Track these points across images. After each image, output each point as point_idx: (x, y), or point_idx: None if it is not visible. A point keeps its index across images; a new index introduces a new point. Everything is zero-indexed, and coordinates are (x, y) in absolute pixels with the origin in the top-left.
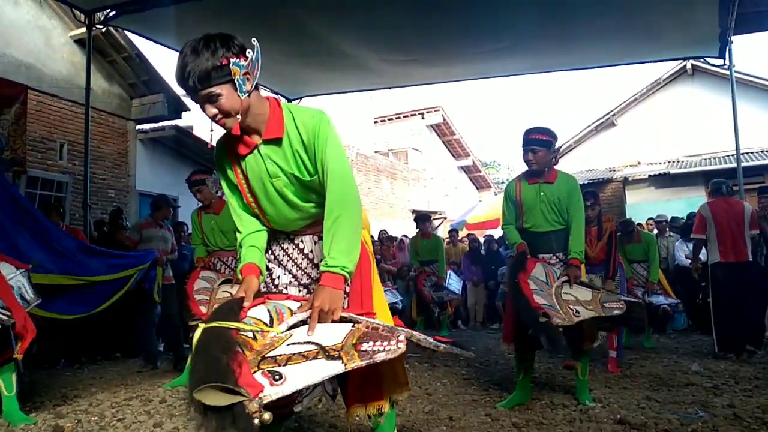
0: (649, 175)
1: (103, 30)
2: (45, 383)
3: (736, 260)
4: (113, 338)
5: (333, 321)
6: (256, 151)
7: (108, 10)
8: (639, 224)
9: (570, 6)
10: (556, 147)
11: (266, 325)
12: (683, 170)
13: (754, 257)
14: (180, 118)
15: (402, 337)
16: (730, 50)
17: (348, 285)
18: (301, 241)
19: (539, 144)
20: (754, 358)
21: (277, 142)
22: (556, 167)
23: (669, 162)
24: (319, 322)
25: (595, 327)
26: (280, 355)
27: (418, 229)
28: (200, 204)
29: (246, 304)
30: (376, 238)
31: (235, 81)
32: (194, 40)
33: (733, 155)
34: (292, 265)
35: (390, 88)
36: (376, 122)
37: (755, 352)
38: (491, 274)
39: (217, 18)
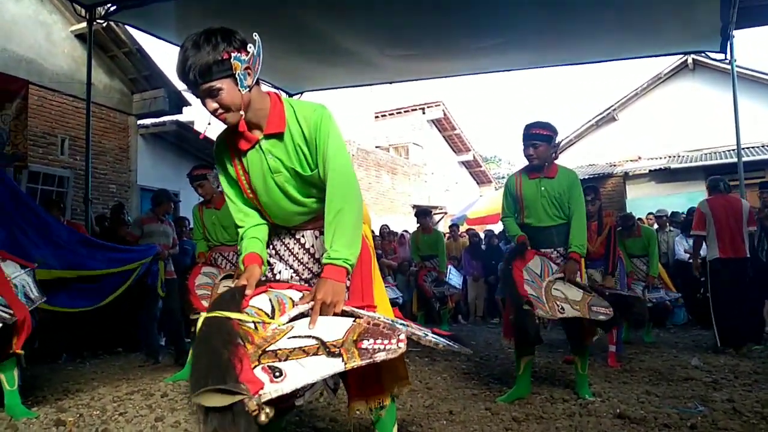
0: (650, 170)
1: (104, 25)
2: (47, 377)
3: (734, 256)
4: (115, 333)
5: (335, 314)
6: (257, 146)
7: (109, 5)
8: (639, 219)
9: (571, 1)
10: (557, 142)
11: (267, 315)
12: (684, 165)
13: (755, 253)
14: (181, 113)
15: (402, 336)
16: (731, 45)
17: (349, 278)
18: (302, 236)
19: (540, 139)
20: (753, 352)
21: (278, 136)
22: (556, 162)
23: (669, 157)
24: (320, 315)
25: (594, 322)
26: (281, 349)
27: (418, 224)
28: (201, 199)
29: (248, 292)
30: (377, 233)
31: (236, 76)
32: (195, 34)
33: (733, 150)
34: (293, 260)
35: (391, 83)
36: (376, 117)
37: (756, 347)
38: (491, 269)
39: (218, 13)
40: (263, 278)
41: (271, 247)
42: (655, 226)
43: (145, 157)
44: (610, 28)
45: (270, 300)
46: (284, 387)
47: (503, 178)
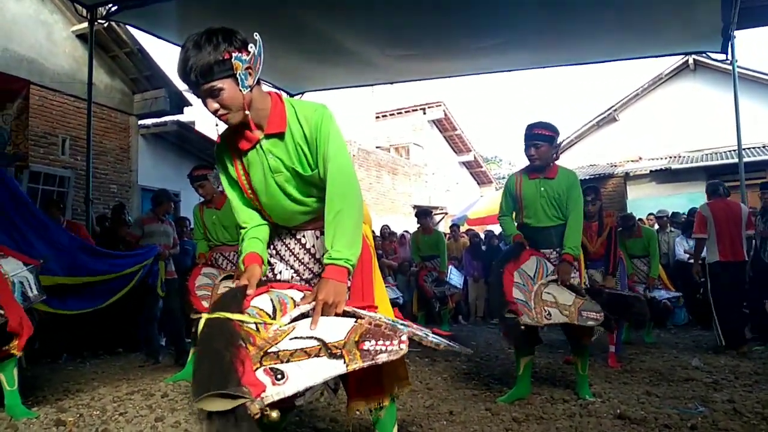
0: (651, 171)
1: (105, 25)
2: (47, 377)
3: (734, 260)
4: (115, 333)
5: (336, 314)
6: (258, 146)
7: (110, 5)
8: (640, 219)
9: (571, 1)
10: (558, 142)
11: (269, 315)
12: (685, 165)
13: (758, 254)
14: (182, 113)
15: (404, 337)
16: (732, 45)
17: (350, 278)
18: (303, 236)
19: (541, 139)
20: (754, 353)
21: (279, 136)
22: (557, 163)
23: (670, 157)
24: (322, 315)
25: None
26: (283, 351)
27: (419, 225)
28: (202, 199)
29: (249, 292)
30: (378, 234)
31: (237, 76)
32: (196, 34)
33: (734, 151)
34: (294, 260)
35: (391, 83)
36: (377, 117)
37: (758, 347)
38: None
39: (219, 12)
40: (264, 278)
41: (271, 247)
42: (656, 226)
43: (146, 157)
44: (611, 28)
45: (271, 300)
46: (286, 390)
47: (504, 178)
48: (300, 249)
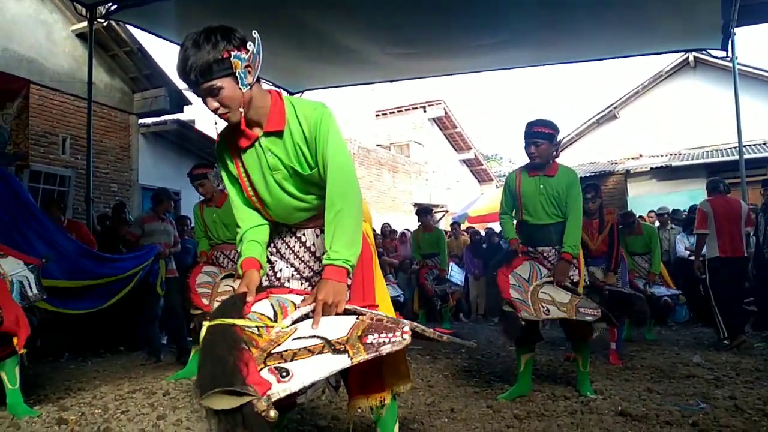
0: (651, 168)
1: (105, 24)
2: (49, 376)
3: (733, 255)
4: (117, 331)
5: (337, 314)
6: (256, 143)
7: (109, 4)
8: (641, 217)
9: None
10: (558, 140)
11: (270, 319)
12: (685, 163)
13: (761, 249)
14: (182, 112)
15: (407, 329)
16: (732, 42)
17: (350, 278)
18: (303, 234)
19: (542, 137)
20: (755, 350)
21: (278, 134)
22: (557, 161)
23: (671, 155)
24: (323, 315)
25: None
26: (286, 351)
27: (419, 223)
28: (202, 198)
29: (249, 299)
30: (378, 232)
31: (237, 74)
32: (195, 32)
33: (735, 148)
34: (294, 258)
35: (391, 81)
36: (377, 115)
37: (758, 344)
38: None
39: (218, 11)
40: (264, 278)
41: (272, 245)
42: (657, 223)
43: (146, 156)
44: (611, 25)
45: (272, 305)
46: (292, 386)
47: (504, 176)
48: (300, 247)
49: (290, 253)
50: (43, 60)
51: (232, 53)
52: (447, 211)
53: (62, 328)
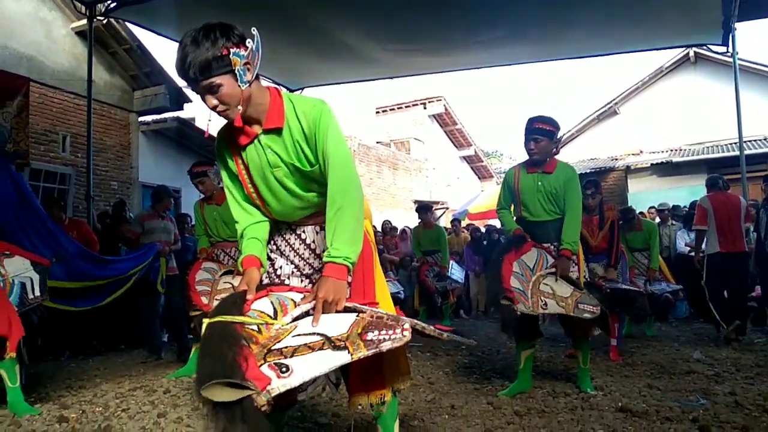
0: (652, 164)
1: (104, 21)
2: (49, 374)
3: (734, 250)
4: (117, 329)
5: (337, 311)
6: (256, 141)
7: (109, 2)
8: (641, 213)
9: None
10: (559, 137)
11: (270, 317)
12: (686, 159)
13: (761, 247)
14: (182, 109)
15: (407, 326)
16: (733, 37)
17: (351, 275)
18: (303, 231)
19: (542, 133)
20: (756, 345)
21: (277, 131)
22: (556, 157)
23: (671, 150)
24: (323, 313)
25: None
26: (286, 347)
27: (420, 220)
28: (202, 195)
29: (249, 297)
30: (379, 229)
31: (236, 71)
32: (194, 30)
33: (735, 143)
34: (294, 255)
35: (391, 78)
36: (377, 112)
37: (759, 339)
38: None
39: (217, 8)
40: (264, 276)
41: (272, 242)
42: (657, 219)
43: (146, 154)
44: (611, 21)
45: (271, 303)
46: (292, 381)
47: (505, 173)
48: (300, 244)
49: (290, 251)
50: (42, 58)
51: (231, 50)
52: (447, 208)
53: (63, 326)
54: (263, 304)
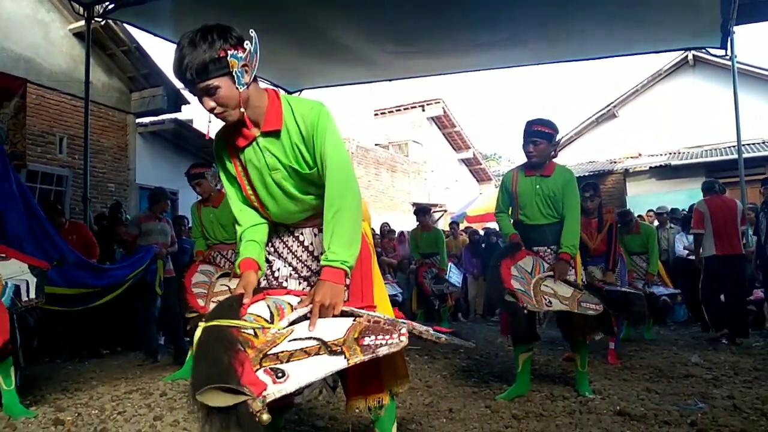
0: (650, 167)
1: (102, 23)
2: (45, 377)
3: (731, 253)
4: (114, 332)
5: (334, 315)
6: (254, 143)
7: (107, 3)
8: (640, 216)
9: None
10: (557, 140)
11: (267, 321)
12: (684, 162)
13: (762, 250)
14: (180, 111)
15: (404, 330)
16: (731, 40)
17: (348, 279)
18: (301, 234)
19: (541, 136)
20: (754, 349)
21: (275, 134)
22: (554, 160)
23: (670, 153)
24: (320, 317)
25: (584, 317)
26: (282, 352)
27: (418, 222)
28: (200, 197)
29: (246, 300)
30: (377, 231)
31: (233, 73)
32: (191, 32)
33: (734, 146)
34: (292, 258)
35: (390, 80)
36: (376, 115)
37: (756, 343)
38: None
39: (215, 9)
40: (262, 279)
41: (270, 245)
42: (656, 223)
43: (143, 156)
44: (610, 24)
45: (268, 306)
46: (288, 387)
47: (503, 175)
48: (298, 247)
49: (288, 253)
50: (40, 59)
51: (229, 52)
52: (446, 211)
53: (59, 328)
54: (260, 308)
